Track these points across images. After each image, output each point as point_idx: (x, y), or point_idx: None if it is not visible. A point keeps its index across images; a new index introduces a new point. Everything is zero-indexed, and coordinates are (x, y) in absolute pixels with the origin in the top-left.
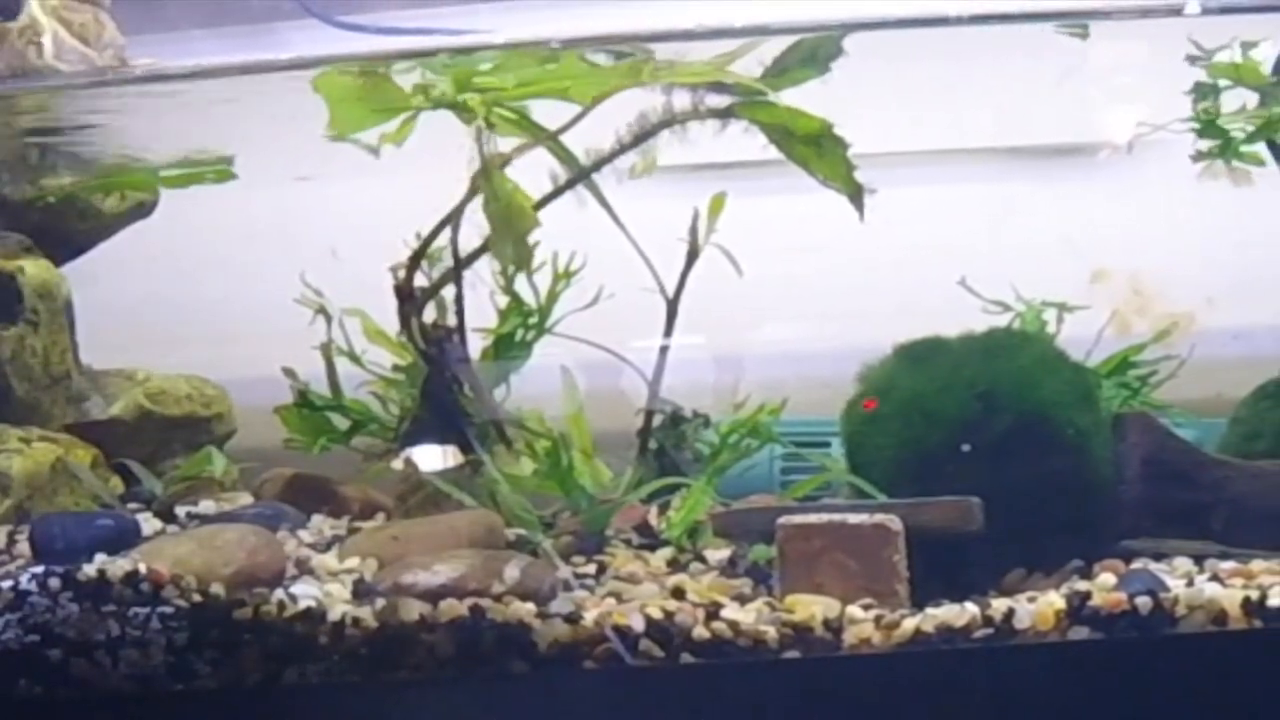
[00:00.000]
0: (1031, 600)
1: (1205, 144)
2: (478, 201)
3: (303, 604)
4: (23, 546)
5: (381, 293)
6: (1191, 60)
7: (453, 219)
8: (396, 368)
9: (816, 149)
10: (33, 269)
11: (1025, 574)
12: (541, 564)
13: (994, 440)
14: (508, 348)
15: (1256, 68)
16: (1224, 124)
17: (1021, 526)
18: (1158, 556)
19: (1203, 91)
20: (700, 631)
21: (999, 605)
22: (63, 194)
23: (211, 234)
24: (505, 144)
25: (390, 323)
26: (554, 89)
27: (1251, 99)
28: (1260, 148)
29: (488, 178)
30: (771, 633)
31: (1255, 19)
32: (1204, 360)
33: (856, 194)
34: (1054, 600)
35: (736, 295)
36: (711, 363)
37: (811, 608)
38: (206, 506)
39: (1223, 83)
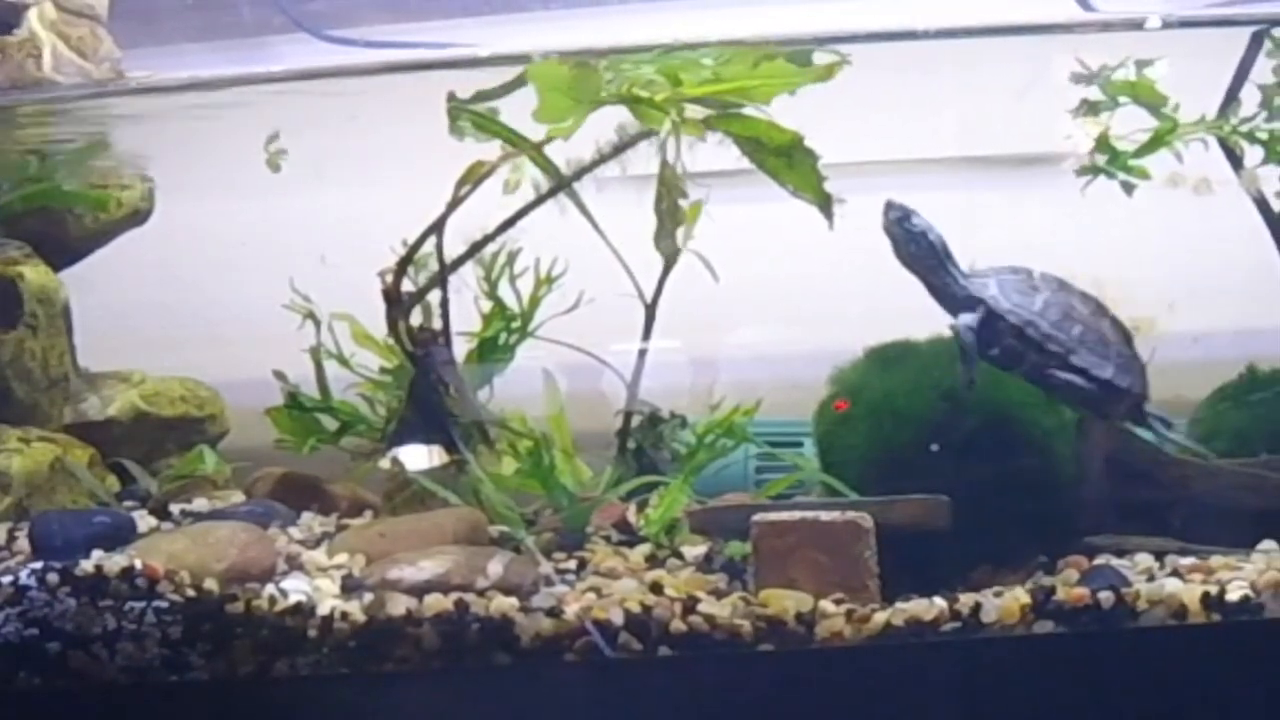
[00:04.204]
0: (998, 595)
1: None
2: (465, 207)
3: (293, 599)
4: (22, 543)
5: (370, 298)
6: (1077, 79)
7: (438, 226)
8: (384, 370)
9: (787, 161)
10: (32, 274)
11: (992, 569)
12: (524, 560)
13: (962, 440)
14: (491, 351)
15: (1152, 85)
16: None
17: (988, 524)
18: (1120, 553)
19: (1092, 108)
20: (678, 625)
21: (966, 600)
22: None
23: (205, 241)
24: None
25: (378, 327)
26: (738, 90)
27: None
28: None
29: (665, 175)
30: (746, 626)
31: (1215, 33)
32: (1165, 363)
33: (826, 204)
34: (1019, 595)
35: (712, 300)
36: (688, 365)
37: (785, 602)
38: (200, 504)
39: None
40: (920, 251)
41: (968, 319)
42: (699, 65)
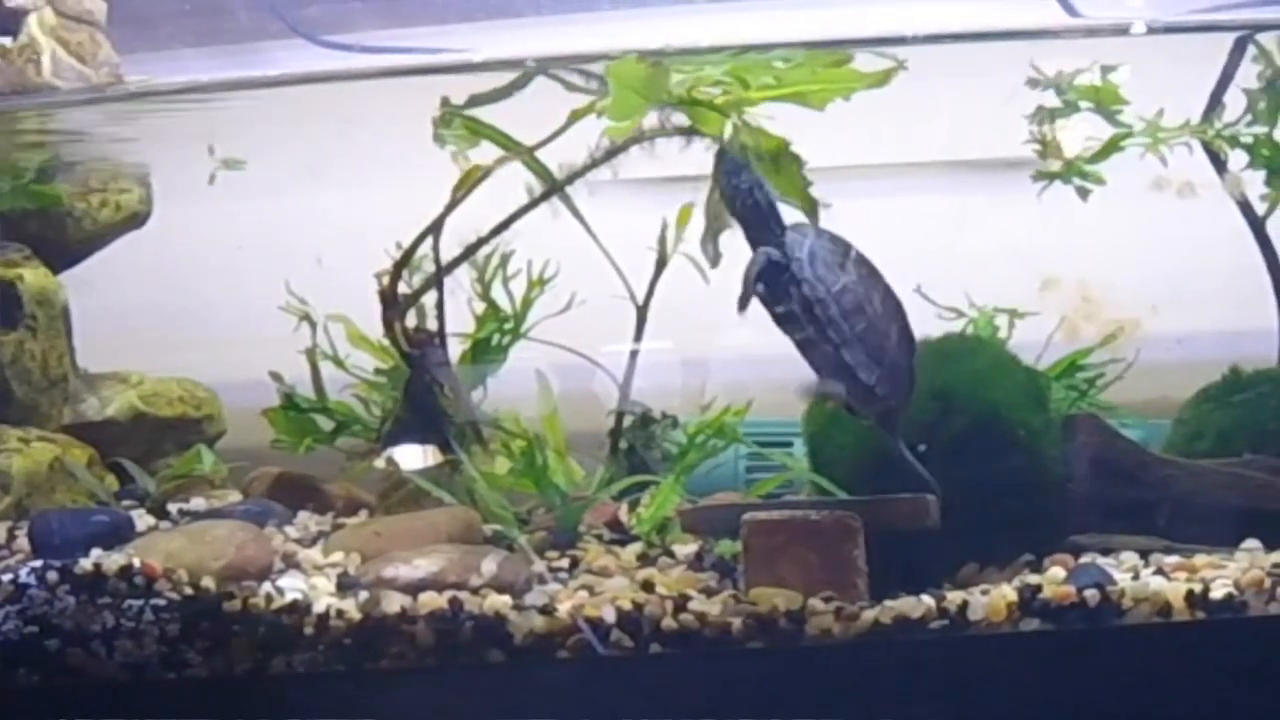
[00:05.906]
0: (984, 593)
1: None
2: (460, 211)
3: (289, 596)
4: (22, 542)
5: (366, 299)
6: (1033, 85)
7: (435, 228)
8: (379, 371)
9: (774, 165)
10: (31, 276)
11: (979, 568)
12: (517, 558)
13: (949, 440)
14: (485, 352)
15: (1115, 90)
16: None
17: (975, 523)
18: (1105, 551)
19: (1045, 114)
20: (669, 623)
21: (953, 598)
22: None
23: (202, 243)
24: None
25: (374, 328)
26: (796, 93)
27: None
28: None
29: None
30: (736, 624)
31: (1199, 38)
32: (1149, 364)
33: (811, 209)
34: (1006, 593)
35: (703, 301)
36: (679, 366)
37: (774, 600)
38: (197, 503)
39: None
40: (744, 209)
41: (768, 254)
42: (767, 67)
